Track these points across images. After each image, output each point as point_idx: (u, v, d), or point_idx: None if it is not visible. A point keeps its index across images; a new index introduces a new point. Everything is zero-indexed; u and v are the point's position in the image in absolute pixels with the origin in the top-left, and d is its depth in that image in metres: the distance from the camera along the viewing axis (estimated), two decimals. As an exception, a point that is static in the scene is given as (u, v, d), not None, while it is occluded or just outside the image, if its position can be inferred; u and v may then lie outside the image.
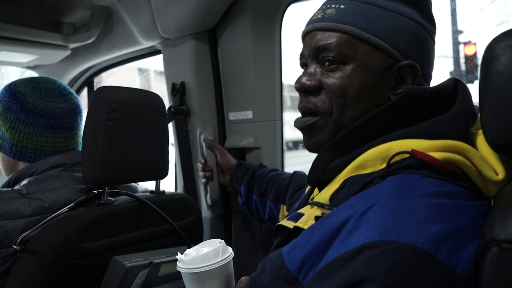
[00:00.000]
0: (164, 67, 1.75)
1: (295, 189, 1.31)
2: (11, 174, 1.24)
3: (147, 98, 1.26)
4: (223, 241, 0.86)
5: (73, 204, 1.08)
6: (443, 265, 0.56)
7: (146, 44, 1.78)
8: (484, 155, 0.71)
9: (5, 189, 1.12)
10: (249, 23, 1.55)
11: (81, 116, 1.32)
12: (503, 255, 0.53)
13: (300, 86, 0.84)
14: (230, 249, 0.85)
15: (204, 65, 1.65)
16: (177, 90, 1.67)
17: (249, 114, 1.62)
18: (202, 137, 1.64)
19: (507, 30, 0.68)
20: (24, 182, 1.16)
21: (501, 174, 0.69)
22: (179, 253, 0.85)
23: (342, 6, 0.82)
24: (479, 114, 0.80)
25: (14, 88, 1.26)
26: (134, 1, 1.61)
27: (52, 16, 1.76)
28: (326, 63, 0.81)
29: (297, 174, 1.38)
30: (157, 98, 1.28)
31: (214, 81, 1.68)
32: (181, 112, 1.67)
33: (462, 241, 0.59)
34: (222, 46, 1.65)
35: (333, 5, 0.83)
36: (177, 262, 0.84)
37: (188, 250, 0.86)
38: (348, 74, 0.79)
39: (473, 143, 0.74)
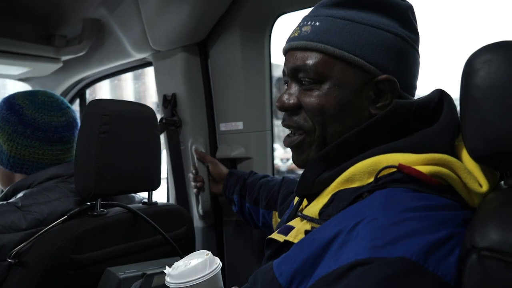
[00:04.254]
0: (155, 79, 1.76)
1: (286, 194, 1.33)
2: (8, 187, 1.24)
3: (139, 110, 1.28)
4: (210, 252, 0.87)
5: (66, 216, 1.09)
6: (431, 275, 0.58)
7: (137, 56, 1.79)
8: (469, 167, 0.73)
9: (1, 202, 1.12)
10: (239, 35, 1.57)
11: (77, 129, 1.34)
12: (482, 262, 0.56)
13: (280, 105, 0.85)
14: (217, 260, 0.86)
15: (195, 77, 1.67)
16: (168, 102, 1.68)
17: (239, 125, 1.64)
18: (193, 148, 1.66)
19: (485, 45, 0.71)
20: (20, 194, 1.17)
21: (485, 187, 0.71)
22: (167, 267, 0.86)
23: (317, 24, 0.82)
24: None
25: (12, 101, 1.28)
26: (125, 14, 1.63)
27: (44, 28, 1.77)
28: (304, 83, 0.82)
29: (286, 180, 1.40)
30: (149, 110, 1.30)
31: (205, 92, 1.70)
32: (172, 123, 1.68)
33: (449, 250, 0.61)
34: (212, 58, 1.67)
35: (309, 22, 0.83)
36: (166, 277, 0.84)
37: (175, 264, 0.86)
38: (325, 92, 0.80)
39: (457, 155, 0.76)
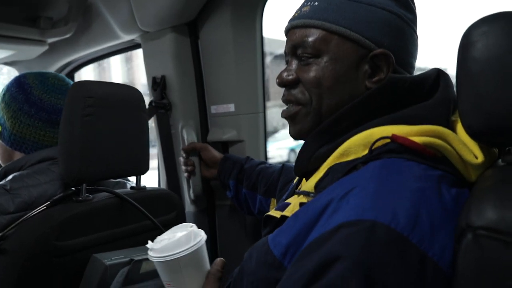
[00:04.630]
0: (144, 60, 1.72)
1: (285, 182, 1.32)
2: (0, 169, 1.24)
3: (126, 92, 1.24)
4: (194, 225, 0.86)
5: (49, 202, 1.06)
6: (415, 248, 0.58)
7: (125, 38, 1.75)
8: (465, 140, 0.73)
9: None
10: (230, 15, 1.53)
11: None
12: (478, 242, 0.54)
13: (280, 81, 0.88)
14: (202, 233, 0.85)
15: (185, 58, 1.63)
16: (157, 84, 1.64)
17: (231, 107, 1.60)
18: (184, 131, 1.63)
19: (483, 17, 0.68)
20: (10, 177, 1.15)
21: (480, 157, 0.71)
22: (149, 241, 0.84)
23: (316, 3, 0.85)
24: None
25: (23, 79, 1.30)
26: (112, -6, 1.58)
27: (29, 10, 1.72)
28: (302, 58, 0.85)
29: (286, 167, 1.38)
30: (136, 93, 1.26)
31: (195, 74, 1.66)
32: (162, 106, 1.65)
33: (436, 226, 0.61)
34: (202, 39, 1.63)
35: (309, 3, 0.87)
36: (148, 251, 0.82)
37: (158, 237, 0.84)
38: (322, 66, 0.83)
39: (453, 131, 0.75)
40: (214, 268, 0.85)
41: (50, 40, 1.82)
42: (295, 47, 0.86)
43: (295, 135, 0.89)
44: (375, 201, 0.62)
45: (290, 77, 0.87)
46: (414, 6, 0.88)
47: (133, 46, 1.89)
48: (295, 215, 0.73)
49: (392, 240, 0.58)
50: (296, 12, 0.89)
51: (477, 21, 0.68)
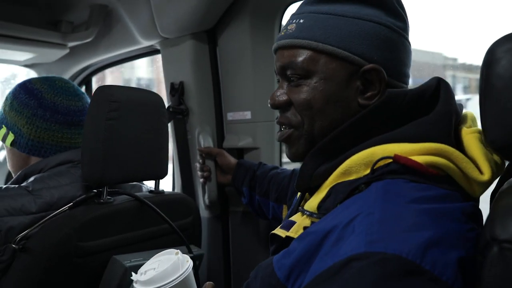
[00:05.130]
0: (163, 66, 1.74)
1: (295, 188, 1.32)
2: (20, 171, 1.26)
3: (148, 97, 1.26)
4: (179, 251, 0.84)
5: (72, 203, 1.08)
6: (428, 274, 0.57)
7: (145, 43, 1.77)
8: (474, 155, 0.72)
9: (13, 185, 1.13)
10: (249, 23, 1.55)
11: None
12: (504, 255, 0.54)
13: (272, 103, 0.87)
14: (188, 259, 0.83)
15: (203, 65, 1.65)
16: (175, 90, 1.67)
17: (247, 115, 1.62)
18: (200, 137, 1.64)
19: (507, 34, 0.69)
20: (31, 179, 1.18)
21: (487, 174, 0.70)
22: (133, 273, 0.82)
23: (301, 21, 0.83)
24: (464, 111, 0.82)
25: (30, 85, 1.31)
26: (133, 0, 1.61)
27: (51, 14, 1.76)
28: (292, 80, 0.84)
29: (296, 173, 1.38)
30: (157, 98, 1.28)
31: (213, 81, 1.68)
32: (179, 112, 1.67)
33: (447, 248, 0.60)
34: (221, 46, 1.65)
35: (294, 20, 0.84)
36: (133, 284, 0.79)
37: (142, 268, 0.82)
38: (312, 87, 0.81)
39: (461, 142, 0.75)
40: None
41: (70, 44, 1.86)
42: (284, 68, 0.84)
43: (291, 158, 0.88)
44: (382, 230, 0.60)
45: (282, 98, 0.85)
46: (405, 12, 0.86)
47: (152, 51, 1.92)
48: (299, 238, 0.72)
49: (405, 270, 0.56)
50: (282, 30, 0.87)
51: (501, 38, 0.69)
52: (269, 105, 0.87)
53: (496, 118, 0.67)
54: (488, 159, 0.72)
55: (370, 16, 0.81)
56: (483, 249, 0.57)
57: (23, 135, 1.27)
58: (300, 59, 0.81)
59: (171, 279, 0.77)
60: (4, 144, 1.33)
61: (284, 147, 1.69)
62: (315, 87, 0.81)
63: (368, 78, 0.80)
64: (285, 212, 1.36)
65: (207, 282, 0.86)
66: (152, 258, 0.85)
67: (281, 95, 0.85)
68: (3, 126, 1.30)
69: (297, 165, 1.45)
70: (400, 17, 0.84)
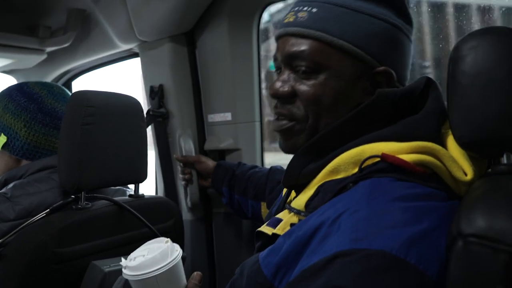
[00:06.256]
0: (142, 70, 1.74)
1: (273, 184, 1.33)
2: (0, 177, 1.25)
3: (125, 102, 1.26)
4: (169, 239, 0.84)
5: (49, 209, 1.08)
6: (413, 268, 0.57)
7: (123, 47, 1.77)
8: (454, 155, 0.72)
9: None
10: (227, 25, 1.55)
11: None
12: (468, 249, 0.55)
13: (274, 93, 0.82)
14: (177, 247, 0.83)
15: (182, 68, 1.65)
16: (155, 93, 1.66)
17: (228, 116, 1.62)
18: (181, 139, 1.64)
19: (472, 32, 0.71)
20: (11, 185, 1.17)
21: (469, 175, 0.70)
22: (122, 258, 0.82)
23: (314, 10, 0.79)
24: None
25: (28, 89, 1.31)
26: (111, 4, 1.60)
27: (28, 19, 1.74)
28: (299, 71, 0.80)
29: (273, 170, 1.39)
30: (135, 102, 1.28)
31: (193, 83, 1.68)
32: (159, 115, 1.66)
33: (433, 243, 0.60)
34: (200, 48, 1.65)
35: (305, 8, 0.80)
36: (123, 269, 0.80)
37: (132, 254, 0.82)
38: (322, 82, 0.78)
39: (443, 143, 0.75)
40: (192, 283, 0.82)
41: (48, 49, 1.84)
42: (291, 58, 0.80)
43: (286, 150, 0.85)
44: (367, 227, 0.60)
45: (286, 89, 0.81)
46: (410, 14, 0.84)
47: (131, 55, 1.91)
48: (286, 234, 0.72)
49: (389, 264, 0.56)
50: (290, 15, 0.82)
51: (466, 36, 0.71)
52: (269, 94, 0.83)
53: (462, 114, 0.69)
54: (469, 158, 0.72)
55: (384, 15, 0.79)
56: (450, 244, 0.58)
57: (19, 138, 1.26)
58: (312, 51, 0.78)
59: (159, 266, 0.77)
60: None
61: (265, 147, 1.70)
62: (325, 83, 0.78)
63: (378, 79, 0.79)
64: (263, 209, 1.37)
65: (195, 272, 0.84)
66: (143, 245, 0.84)
67: (284, 85, 0.81)
68: None
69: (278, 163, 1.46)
70: (408, 19, 0.83)
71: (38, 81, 1.37)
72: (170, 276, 0.79)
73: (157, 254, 0.78)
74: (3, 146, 1.28)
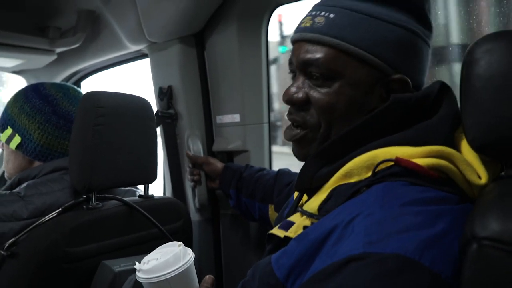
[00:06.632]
0: (151, 71, 1.75)
1: (281, 187, 1.33)
2: (14, 177, 1.26)
3: (136, 102, 1.26)
4: (181, 243, 0.85)
5: (60, 209, 1.09)
6: (427, 271, 0.57)
7: (133, 48, 1.77)
8: (468, 159, 0.72)
9: (4, 192, 1.14)
10: (236, 27, 1.55)
11: None
12: (483, 252, 0.55)
13: (288, 99, 0.82)
14: (190, 251, 0.85)
15: (191, 69, 1.66)
16: (164, 94, 1.67)
17: (236, 118, 1.62)
18: (189, 140, 1.65)
19: (486, 35, 0.71)
20: (24, 185, 1.18)
21: (484, 179, 0.70)
22: (136, 262, 0.83)
23: (331, 16, 0.78)
24: None
25: (44, 91, 1.32)
26: (120, 5, 1.61)
27: (38, 20, 1.75)
28: (314, 78, 0.79)
29: (281, 172, 1.40)
30: (145, 103, 1.29)
31: (201, 84, 1.69)
32: (168, 116, 1.67)
33: (446, 246, 0.60)
34: (209, 50, 1.66)
35: (323, 13, 0.79)
36: (137, 272, 0.81)
37: (146, 258, 0.84)
38: (336, 91, 0.77)
39: (457, 147, 0.74)
40: (204, 286, 0.83)
41: (58, 50, 1.85)
42: (306, 64, 0.79)
43: (299, 157, 0.86)
44: (381, 231, 0.60)
45: (300, 95, 0.80)
46: (431, 20, 0.83)
47: (140, 56, 1.92)
48: (299, 237, 0.72)
49: (403, 267, 0.56)
50: (307, 21, 0.81)
51: (480, 39, 0.71)
52: (283, 100, 0.83)
53: (475, 117, 0.69)
54: (483, 162, 0.71)
55: (403, 22, 0.78)
56: (464, 247, 0.58)
57: (33, 140, 1.28)
58: (327, 58, 0.77)
59: (172, 269, 0.79)
60: (4, 145, 1.33)
61: (273, 149, 1.70)
62: (340, 92, 0.77)
63: (393, 87, 0.78)
64: (271, 211, 1.37)
65: (208, 276, 0.86)
66: (156, 249, 0.86)
67: (299, 92, 0.81)
68: (9, 127, 1.30)
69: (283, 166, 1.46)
70: (428, 24, 0.82)
71: (54, 82, 1.39)
72: (183, 279, 0.80)
73: (169, 257, 0.80)
74: (16, 147, 1.29)
